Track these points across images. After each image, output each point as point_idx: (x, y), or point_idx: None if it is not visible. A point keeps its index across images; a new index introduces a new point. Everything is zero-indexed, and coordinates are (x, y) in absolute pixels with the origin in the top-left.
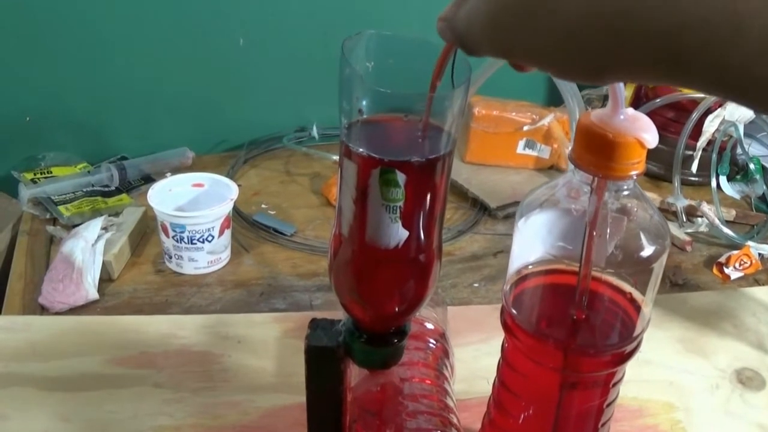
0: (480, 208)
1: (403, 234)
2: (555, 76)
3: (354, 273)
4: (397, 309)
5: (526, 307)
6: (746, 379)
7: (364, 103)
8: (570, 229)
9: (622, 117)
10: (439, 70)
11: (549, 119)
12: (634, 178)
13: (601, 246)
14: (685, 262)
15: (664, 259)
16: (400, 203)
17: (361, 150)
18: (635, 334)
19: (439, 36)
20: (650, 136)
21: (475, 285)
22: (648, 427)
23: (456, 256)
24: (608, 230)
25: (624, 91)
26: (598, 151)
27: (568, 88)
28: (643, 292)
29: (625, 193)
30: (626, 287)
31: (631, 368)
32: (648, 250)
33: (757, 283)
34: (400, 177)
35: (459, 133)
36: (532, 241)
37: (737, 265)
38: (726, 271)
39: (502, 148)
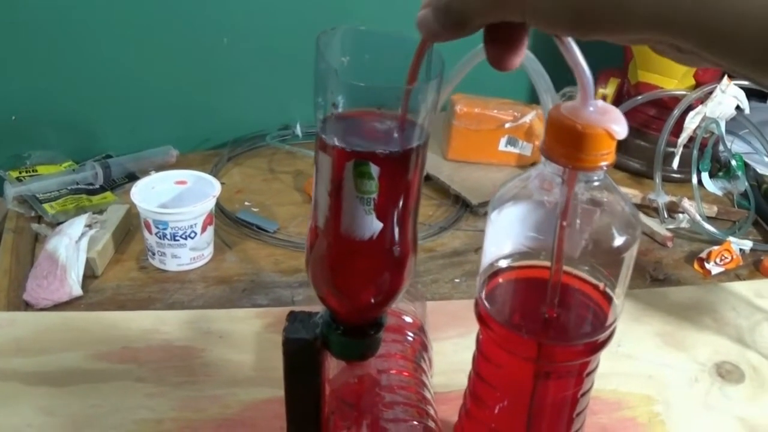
0: (462, 204)
1: (378, 226)
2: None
3: (330, 265)
4: (372, 300)
5: (500, 299)
6: (726, 372)
7: (338, 97)
8: (543, 220)
9: (591, 109)
10: (416, 67)
11: (531, 116)
12: (604, 169)
13: (573, 237)
14: (666, 258)
15: (635, 249)
16: (374, 195)
17: (335, 143)
18: (608, 323)
19: (418, 28)
20: (619, 128)
21: (456, 280)
22: (626, 419)
23: (437, 252)
24: (580, 221)
25: (593, 82)
26: (567, 142)
27: (542, 84)
28: (615, 283)
29: (596, 184)
30: (598, 277)
31: (610, 361)
32: (619, 241)
33: (738, 278)
34: (374, 169)
35: (432, 127)
36: (506, 233)
37: (718, 260)
38: (707, 266)
39: (484, 146)
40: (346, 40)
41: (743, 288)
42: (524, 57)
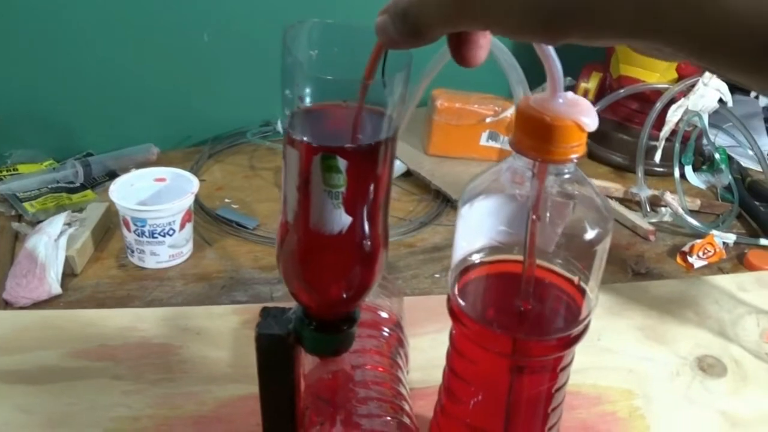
0: (443, 199)
1: (347, 220)
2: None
3: (300, 260)
4: (343, 295)
5: (472, 295)
6: (707, 366)
7: (305, 90)
8: (515, 214)
9: (560, 100)
10: (372, 67)
11: (511, 111)
12: (575, 161)
13: (545, 231)
14: (648, 252)
15: (607, 241)
16: (342, 189)
17: (302, 137)
18: (581, 317)
19: (376, 34)
20: (589, 120)
21: (436, 275)
22: (606, 413)
23: (418, 247)
24: (553, 215)
25: (562, 74)
26: (537, 135)
27: (514, 76)
28: (588, 276)
29: (567, 176)
30: (572, 271)
31: (590, 356)
32: (591, 233)
33: (721, 271)
34: (341, 163)
35: (412, 121)
36: (477, 228)
37: (701, 253)
38: (690, 260)
39: (465, 140)
40: (314, 33)
41: (726, 281)
42: (495, 49)
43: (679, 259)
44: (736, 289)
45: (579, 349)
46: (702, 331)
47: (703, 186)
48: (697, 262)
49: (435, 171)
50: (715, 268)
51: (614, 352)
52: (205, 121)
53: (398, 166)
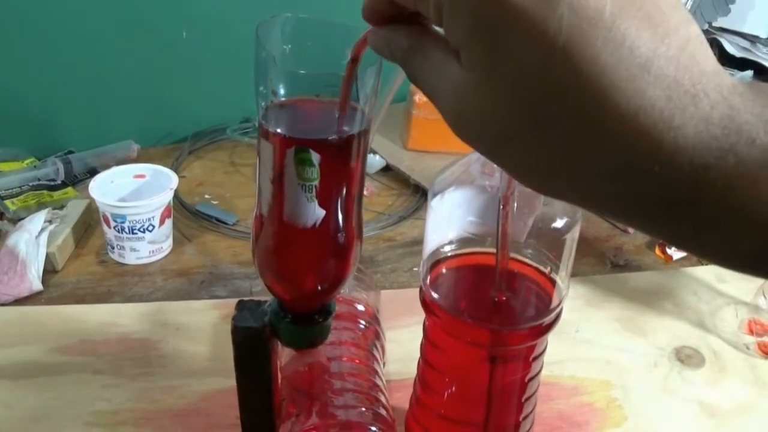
0: (421, 194)
1: (320, 213)
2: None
3: (274, 252)
4: (318, 288)
5: (445, 287)
6: (685, 356)
7: (278, 85)
8: (486, 206)
9: None
10: (346, 90)
11: None
12: None
13: (516, 222)
14: (627, 244)
15: (576, 230)
16: (316, 182)
17: (276, 130)
18: (552, 306)
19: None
20: None
21: (415, 269)
22: (584, 404)
23: (397, 241)
24: (523, 205)
25: None
26: None
27: None
28: (558, 265)
29: None
30: (543, 261)
31: (568, 347)
32: (560, 222)
33: (700, 262)
34: (315, 156)
35: (375, 113)
36: (448, 220)
37: None
38: (668, 251)
39: (444, 135)
40: (287, 28)
41: (705, 272)
42: None
43: (657, 251)
44: (715, 280)
45: (557, 340)
46: (680, 322)
47: None
48: (675, 254)
49: (414, 166)
50: (694, 259)
51: (592, 344)
52: (186, 117)
53: (377, 161)
